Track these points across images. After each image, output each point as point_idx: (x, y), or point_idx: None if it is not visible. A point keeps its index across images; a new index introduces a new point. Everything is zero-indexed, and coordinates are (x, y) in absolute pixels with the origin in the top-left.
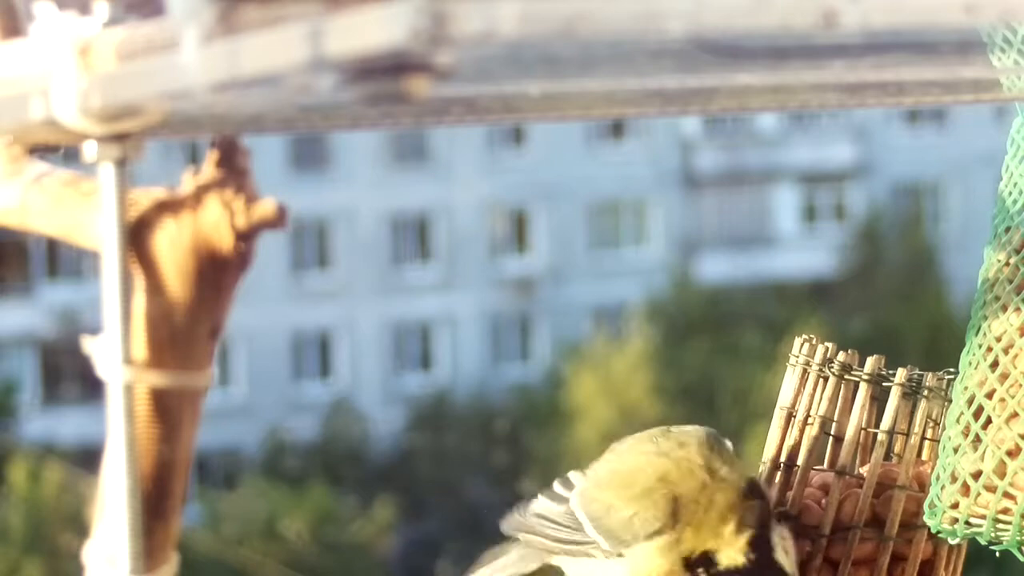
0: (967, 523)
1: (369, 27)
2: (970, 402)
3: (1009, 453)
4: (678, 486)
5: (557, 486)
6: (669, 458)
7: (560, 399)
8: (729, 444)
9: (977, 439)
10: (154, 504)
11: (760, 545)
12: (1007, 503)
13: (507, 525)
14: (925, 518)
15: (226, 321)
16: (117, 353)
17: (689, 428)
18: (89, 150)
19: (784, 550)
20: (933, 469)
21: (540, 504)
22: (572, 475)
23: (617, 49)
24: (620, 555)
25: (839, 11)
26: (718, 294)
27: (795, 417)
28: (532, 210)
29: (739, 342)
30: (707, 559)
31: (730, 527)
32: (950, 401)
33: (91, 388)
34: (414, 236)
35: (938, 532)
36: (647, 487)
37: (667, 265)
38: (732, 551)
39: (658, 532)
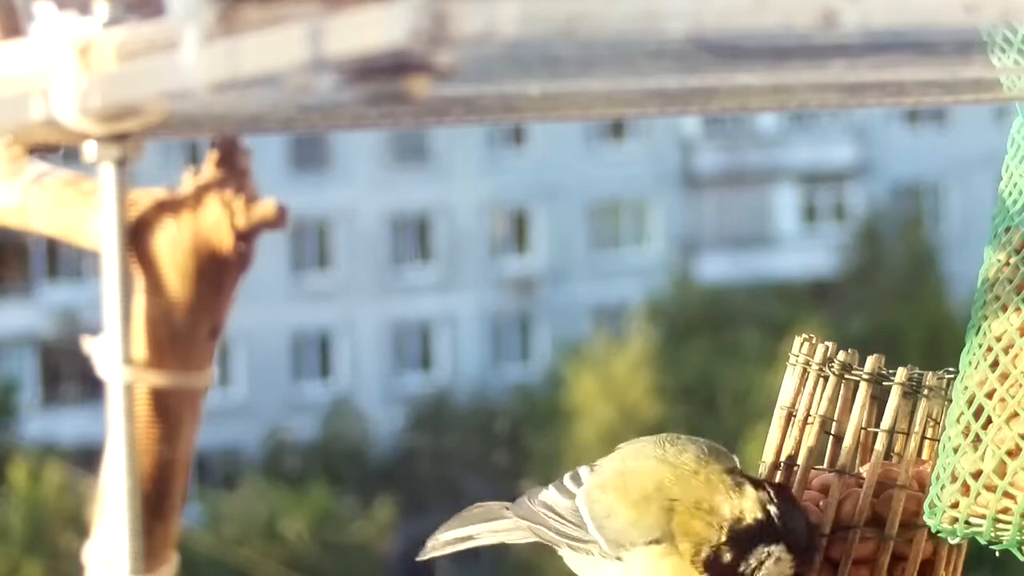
0: (967, 523)
1: (369, 27)
2: (970, 402)
3: (1009, 453)
4: (672, 492)
5: (567, 480)
6: (668, 464)
7: (560, 399)
8: (735, 458)
9: (977, 439)
10: (154, 504)
11: (782, 494)
12: (1007, 503)
13: (516, 511)
14: (925, 518)
15: (226, 321)
16: (117, 353)
17: (695, 438)
18: (89, 150)
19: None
20: (933, 468)
21: (549, 495)
22: (582, 471)
23: (617, 49)
24: (619, 559)
25: (839, 11)
26: (718, 294)
27: (795, 417)
28: (532, 210)
29: (739, 342)
30: (727, 545)
31: (729, 498)
32: (950, 401)
33: (91, 388)
34: (414, 236)
35: (938, 532)
36: (645, 494)
37: (667, 265)
38: (749, 505)
39: (656, 541)
